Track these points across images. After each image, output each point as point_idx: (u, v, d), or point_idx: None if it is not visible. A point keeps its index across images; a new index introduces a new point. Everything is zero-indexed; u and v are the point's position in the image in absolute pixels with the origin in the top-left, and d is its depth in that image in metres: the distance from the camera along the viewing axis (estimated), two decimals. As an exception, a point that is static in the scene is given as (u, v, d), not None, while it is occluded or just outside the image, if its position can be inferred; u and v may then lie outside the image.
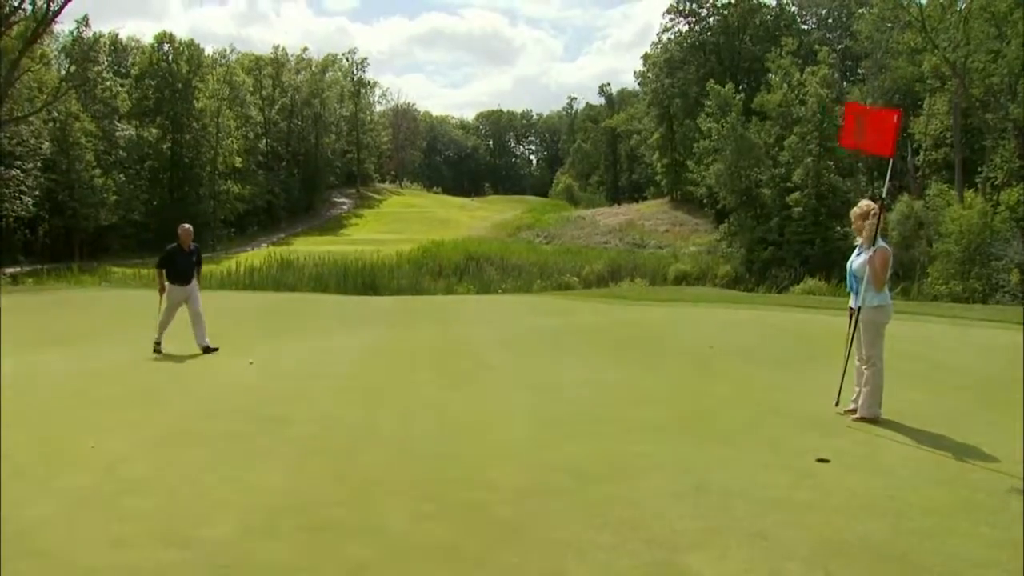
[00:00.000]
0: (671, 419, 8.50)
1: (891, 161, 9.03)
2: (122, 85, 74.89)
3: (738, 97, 61.00)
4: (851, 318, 8.71)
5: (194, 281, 13.80)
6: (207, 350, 13.23)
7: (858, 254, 8.57)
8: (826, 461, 6.88)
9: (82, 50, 67.32)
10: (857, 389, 8.60)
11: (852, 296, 8.66)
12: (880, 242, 8.40)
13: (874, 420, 8.27)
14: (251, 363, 12.02)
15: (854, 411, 8.53)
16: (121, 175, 68.69)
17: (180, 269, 13.63)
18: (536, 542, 5.25)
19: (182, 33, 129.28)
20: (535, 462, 6.95)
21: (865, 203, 8.61)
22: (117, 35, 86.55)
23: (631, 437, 7.76)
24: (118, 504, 5.98)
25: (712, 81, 65.02)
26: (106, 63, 74.21)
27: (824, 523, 5.52)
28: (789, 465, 6.80)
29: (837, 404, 8.76)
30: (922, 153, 56.67)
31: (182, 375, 11.36)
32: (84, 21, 67.43)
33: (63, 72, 66.77)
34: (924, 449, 7.34)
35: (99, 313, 20.32)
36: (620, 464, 6.87)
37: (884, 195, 9.34)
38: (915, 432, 7.88)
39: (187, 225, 14.13)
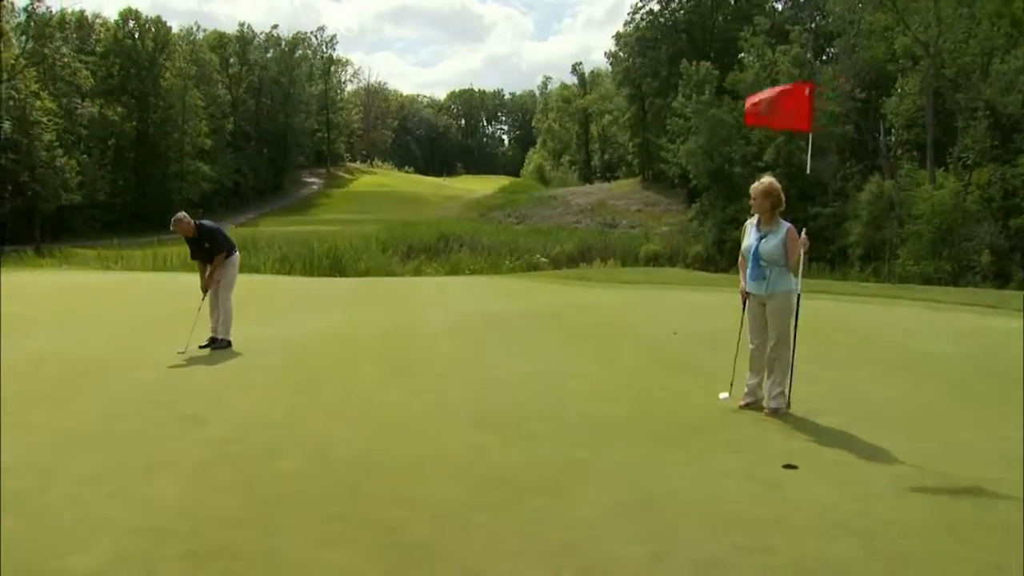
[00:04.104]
0: (625, 417, 7.79)
1: (810, 136, 8.62)
2: (83, 62, 73.13)
3: (711, 74, 60.49)
4: (745, 303, 8.12)
5: (220, 266, 12.13)
6: (210, 342, 11.81)
7: (762, 236, 7.87)
8: (793, 467, 6.18)
9: (37, 27, 65.77)
10: (755, 379, 8.05)
11: (753, 282, 7.96)
12: (785, 222, 7.84)
13: (785, 411, 7.76)
14: (180, 352, 11.20)
15: (751, 404, 8.01)
16: (85, 155, 67.22)
17: (197, 256, 12.35)
18: (451, 571, 4.53)
19: (143, 7, 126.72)
20: (465, 471, 6.20)
21: (768, 179, 7.94)
22: (83, 12, 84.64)
23: (578, 439, 7.03)
24: (-17, 525, 5.20)
25: (685, 61, 64.30)
26: (62, 39, 72.24)
27: (788, 545, 4.82)
28: (751, 473, 6.10)
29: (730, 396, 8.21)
30: (894, 133, 56.26)
31: (101, 368, 10.46)
32: (38, -4, 66.06)
33: (22, 49, 65.26)
34: (902, 452, 6.63)
35: (34, 298, 19.32)
36: (561, 473, 6.14)
37: (808, 171, 8.99)
38: (893, 430, 7.22)
39: (176, 215, 12.41)
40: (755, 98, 8.74)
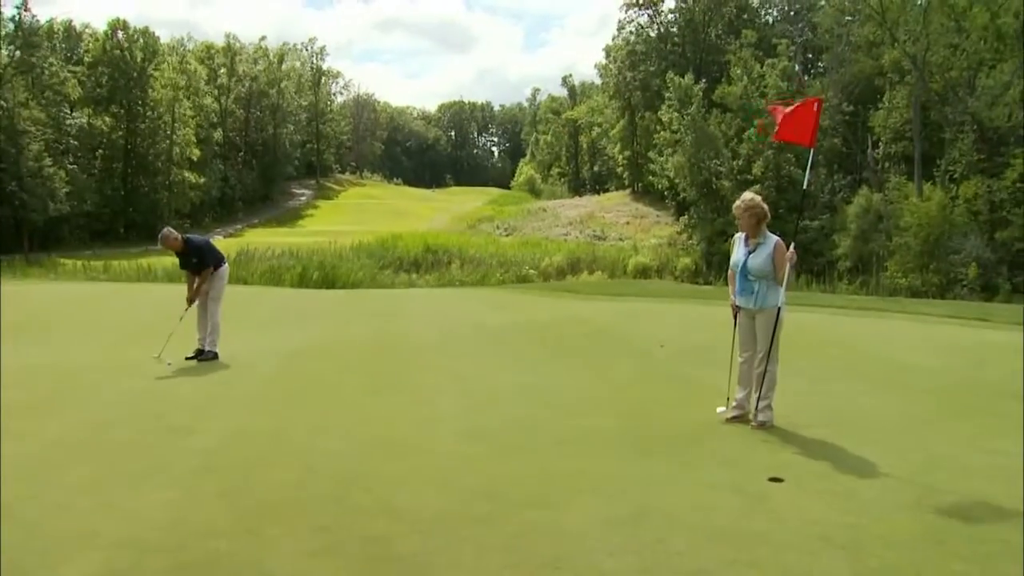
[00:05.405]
0: (613, 430, 7.79)
1: (812, 151, 8.61)
2: (71, 72, 72.92)
3: (697, 87, 60.64)
4: (736, 316, 8.14)
5: (207, 279, 12.08)
6: (196, 354, 11.81)
7: (750, 250, 7.92)
8: (780, 480, 6.19)
9: (23, 35, 65.62)
10: (743, 392, 8.06)
11: (742, 296, 8.00)
12: (773, 236, 7.90)
13: (772, 424, 7.75)
14: (168, 364, 11.16)
15: (738, 417, 8.00)
16: (73, 165, 66.96)
17: (186, 266, 12.28)
18: (440, 586, 4.51)
19: (128, 16, 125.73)
20: (453, 484, 6.18)
21: (748, 195, 8.01)
22: (71, 22, 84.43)
23: (566, 452, 7.03)
24: (-32, 539, 5.15)
25: (671, 73, 64.57)
26: (49, 49, 72.04)
27: (774, 559, 4.82)
28: (739, 486, 6.10)
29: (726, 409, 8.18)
30: (882, 146, 56.49)
31: (89, 378, 10.42)
32: (24, 5, 66.07)
33: (10, 59, 65.08)
34: (888, 465, 6.64)
35: (23, 309, 19.20)
36: (550, 485, 6.13)
37: (806, 186, 9.25)
38: (879, 444, 7.22)
39: (162, 231, 12.36)
40: (776, 113, 8.64)
